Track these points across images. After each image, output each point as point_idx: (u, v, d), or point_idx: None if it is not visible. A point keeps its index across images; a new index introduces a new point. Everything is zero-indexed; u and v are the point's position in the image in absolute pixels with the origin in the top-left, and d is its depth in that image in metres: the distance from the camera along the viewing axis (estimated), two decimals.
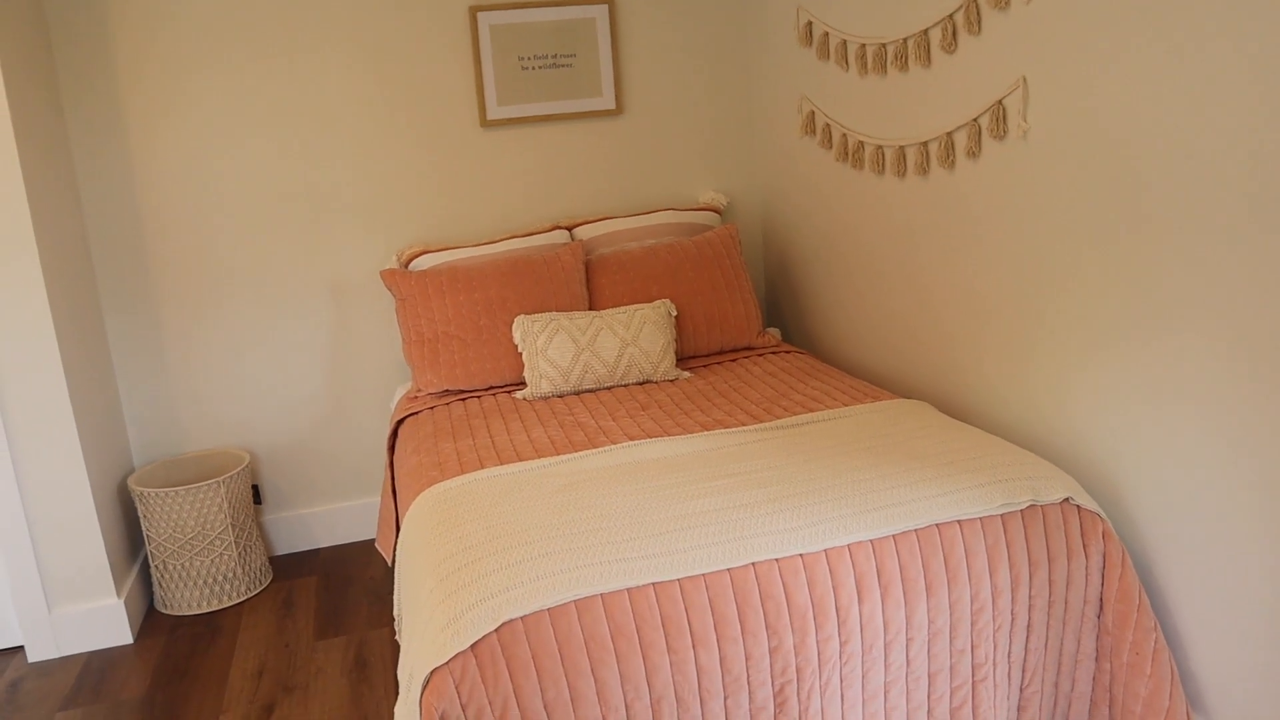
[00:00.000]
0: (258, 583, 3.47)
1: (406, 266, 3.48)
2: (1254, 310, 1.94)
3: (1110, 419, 2.34)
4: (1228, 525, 2.07)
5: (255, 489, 3.67)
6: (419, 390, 3.21)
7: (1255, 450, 1.98)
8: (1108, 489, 2.37)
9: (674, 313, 3.29)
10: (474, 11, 3.49)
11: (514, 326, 3.17)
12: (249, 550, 3.43)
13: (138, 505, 3.28)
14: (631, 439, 2.62)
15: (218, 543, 3.32)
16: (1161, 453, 2.21)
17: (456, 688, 1.79)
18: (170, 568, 3.29)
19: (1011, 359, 2.67)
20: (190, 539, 3.28)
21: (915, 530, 2.08)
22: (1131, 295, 2.24)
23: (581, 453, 2.52)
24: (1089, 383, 2.40)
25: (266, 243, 3.50)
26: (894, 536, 2.06)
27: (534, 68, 3.59)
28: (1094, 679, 2.24)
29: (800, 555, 2.00)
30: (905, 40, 2.92)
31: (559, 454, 2.55)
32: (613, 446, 2.54)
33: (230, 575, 3.37)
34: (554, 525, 2.11)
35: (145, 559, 3.49)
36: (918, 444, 2.44)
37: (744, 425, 2.68)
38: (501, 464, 2.51)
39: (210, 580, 3.33)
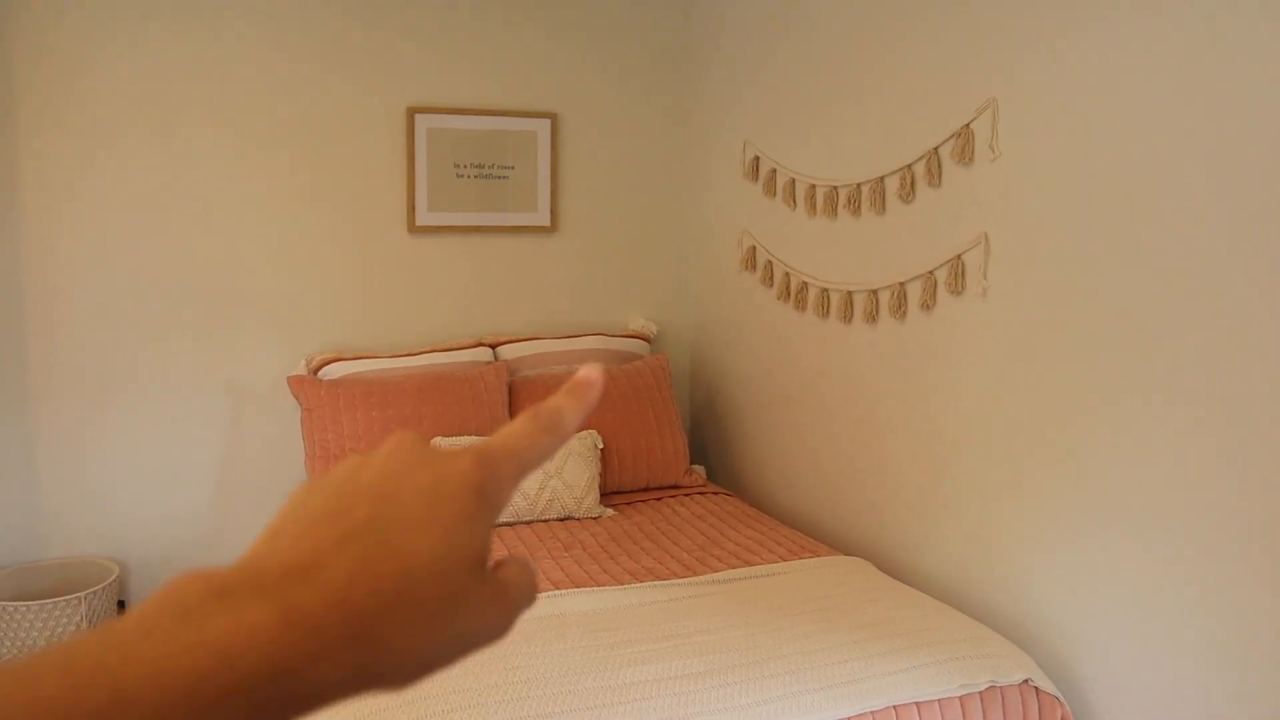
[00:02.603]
0: None
1: (316, 374, 3.23)
2: (1215, 485, 1.85)
3: (1070, 593, 2.23)
4: (1188, 709, 1.95)
5: (121, 605, 3.31)
6: None
7: (1216, 629, 1.87)
8: (1065, 666, 2.24)
9: (600, 445, 3.11)
10: (412, 113, 3.34)
11: None
12: None
13: None
14: (557, 586, 2.40)
15: None
16: (1126, 631, 2.09)
17: None
18: None
19: (961, 520, 2.55)
20: None
21: (872, 712, 1.91)
22: (1096, 465, 2.15)
23: None
24: (1046, 552, 2.29)
25: (164, 337, 3.21)
26: (851, 719, 1.88)
27: (469, 176, 3.44)
28: None
29: None
30: (859, 185, 2.86)
31: None
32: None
33: None
34: (474, 690, 1.87)
35: None
36: (864, 609, 2.29)
37: (677, 577, 2.48)
38: None
39: None
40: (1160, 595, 2.01)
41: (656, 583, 2.42)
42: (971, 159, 2.46)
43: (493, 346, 3.44)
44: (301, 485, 0.42)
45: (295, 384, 3.09)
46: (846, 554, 2.81)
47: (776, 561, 2.61)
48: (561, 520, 2.94)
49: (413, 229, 3.40)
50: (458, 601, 0.38)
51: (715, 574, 2.50)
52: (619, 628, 2.15)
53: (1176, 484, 1.98)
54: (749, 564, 2.59)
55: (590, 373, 0.49)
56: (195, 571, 0.35)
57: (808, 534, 3.05)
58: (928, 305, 2.62)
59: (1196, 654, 1.95)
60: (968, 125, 2.45)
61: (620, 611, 2.24)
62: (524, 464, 0.44)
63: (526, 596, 0.43)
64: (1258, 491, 1.83)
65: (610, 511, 3.02)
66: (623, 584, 2.42)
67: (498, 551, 2.51)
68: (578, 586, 2.39)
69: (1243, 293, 1.84)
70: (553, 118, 3.51)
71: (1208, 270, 1.90)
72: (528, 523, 2.90)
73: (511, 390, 3.23)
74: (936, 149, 2.56)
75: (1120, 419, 2.09)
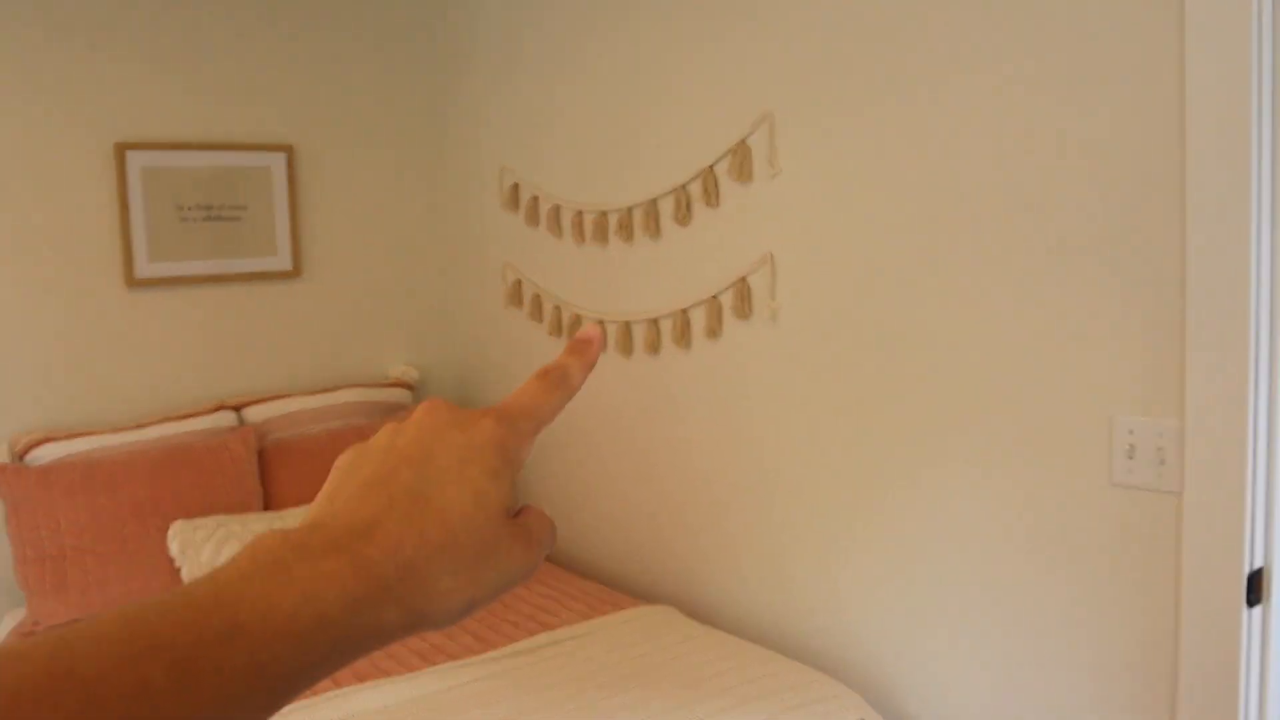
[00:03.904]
0: None
1: (21, 459, 2.74)
2: (1022, 505, 1.80)
3: (878, 611, 2.13)
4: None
5: None
6: (37, 623, 2.48)
7: (1033, 642, 1.82)
8: (886, 692, 2.15)
9: None
10: (121, 149, 2.91)
11: (170, 535, 2.55)
12: None
13: None
14: (336, 683, 2.07)
15: None
16: (939, 647, 2.02)
17: None
18: None
19: (757, 553, 2.43)
20: None
21: None
22: (897, 489, 2.07)
23: None
24: (849, 573, 2.21)
25: None
26: None
27: (195, 219, 3.05)
28: None
29: None
30: (630, 209, 2.70)
31: None
32: (314, 699, 1.99)
33: None
34: None
35: None
36: (683, 666, 2.11)
37: (472, 653, 2.23)
38: None
39: None
40: (965, 608, 1.95)
41: (451, 664, 2.16)
42: (750, 177, 2.35)
43: (237, 409, 3.05)
44: (346, 453, 0.47)
45: None
46: (648, 602, 2.64)
47: (578, 621, 2.40)
48: None
49: (132, 283, 2.97)
50: (491, 547, 0.44)
51: (515, 644, 2.26)
52: None
53: (981, 504, 1.92)
54: (548, 627, 2.36)
55: (589, 330, 0.55)
56: (273, 532, 0.41)
57: (604, 583, 2.85)
58: (714, 332, 2.49)
59: (1010, 668, 1.89)
60: (744, 141, 2.35)
61: (415, 705, 1.96)
62: (539, 421, 0.50)
63: (548, 538, 0.47)
64: (1069, 507, 1.79)
65: None
66: (413, 669, 2.13)
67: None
68: (361, 680, 2.08)
69: (1032, 298, 1.79)
70: (289, 150, 3.17)
71: (998, 281, 1.85)
72: None
73: (263, 458, 2.87)
74: (712, 167, 2.44)
75: (922, 440, 2.02)
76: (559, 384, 0.51)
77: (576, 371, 0.53)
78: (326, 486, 0.46)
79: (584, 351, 0.54)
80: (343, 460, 0.47)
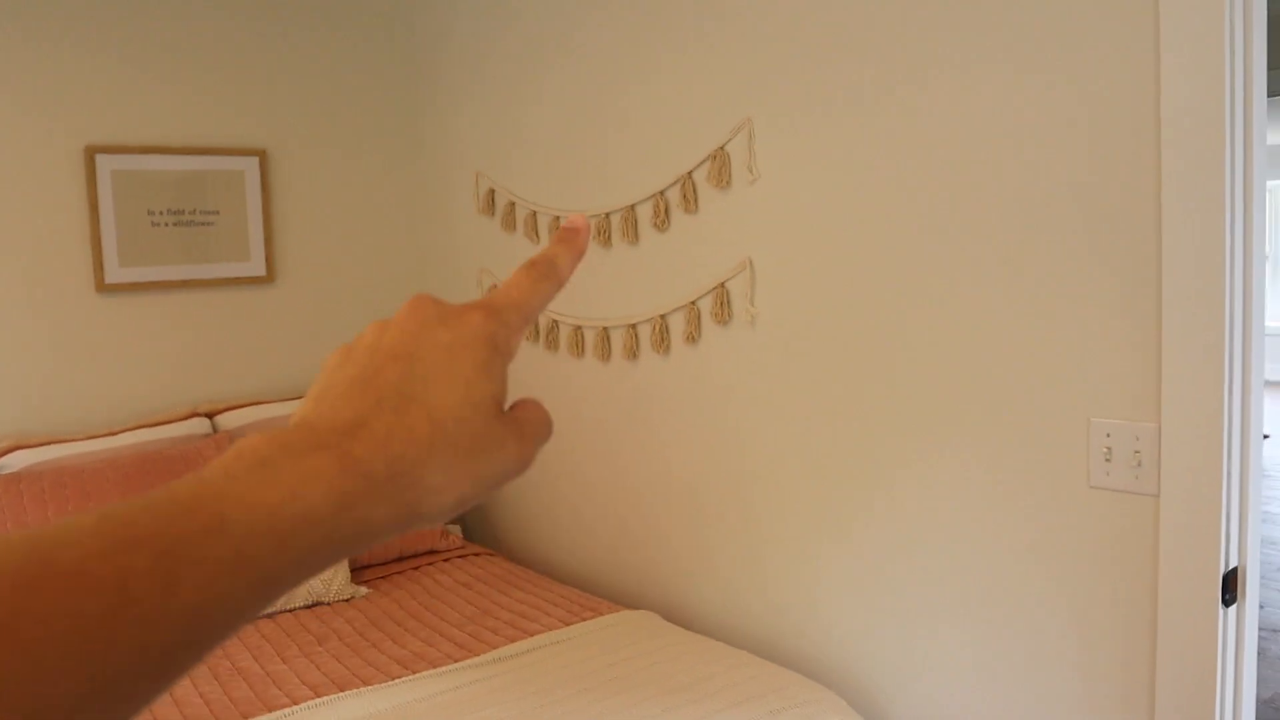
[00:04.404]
0: None
1: None
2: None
3: (858, 614, 2.15)
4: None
5: None
6: None
7: (1013, 643, 1.84)
8: (867, 694, 2.16)
9: None
10: (91, 153, 2.88)
11: None
12: None
13: None
14: (315, 693, 2.06)
15: None
16: (919, 648, 2.03)
17: None
18: None
19: (740, 557, 2.43)
20: None
21: None
22: (875, 490, 2.08)
23: None
24: (828, 577, 2.22)
25: None
26: None
27: (167, 224, 3.02)
28: None
29: None
30: (608, 215, 2.71)
31: None
32: (294, 708, 1.97)
33: None
34: None
35: None
36: (665, 671, 2.11)
37: (453, 661, 2.21)
38: None
39: None
40: (944, 610, 1.97)
41: (431, 671, 2.14)
42: (729, 183, 2.36)
43: (210, 416, 3.02)
44: (333, 353, 0.47)
45: None
46: (627, 606, 2.64)
47: (558, 627, 2.39)
48: (310, 607, 2.58)
49: (102, 288, 2.93)
50: (482, 442, 0.43)
51: (495, 650, 2.25)
52: None
53: (959, 507, 1.94)
54: (529, 634, 2.36)
55: (575, 219, 0.53)
56: (260, 434, 0.40)
57: (582, 589, 2.85)
58: (692, 337, 2.50)
59: (989, 668, 1.91)
60: (723, 147, 2.36)
61: (396, 714, 1.95)
62: (528, 312, 0.48)
63: (543, 431, 0.46)
64: (1048, 509, 1.81)
65: (364, 590, 2.70)
66: (393, 678, 2.12)
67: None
68: (341, 689, 2.07)
69: (1010, 302, 1.81)
70: (261, 155, 3.15)
71: (977, 286, 1.87)
72: (271, 616, 2.53)
73: None
74: (691, 173, 2.45)
75: (900, 444, 2.03)
76: (547, 274, 0.50)
77: (565, 261, 0.51)
78: (313, 387, 0.45)
79: (571, 240, 0.52)
80: (330, 360, 0.47)
